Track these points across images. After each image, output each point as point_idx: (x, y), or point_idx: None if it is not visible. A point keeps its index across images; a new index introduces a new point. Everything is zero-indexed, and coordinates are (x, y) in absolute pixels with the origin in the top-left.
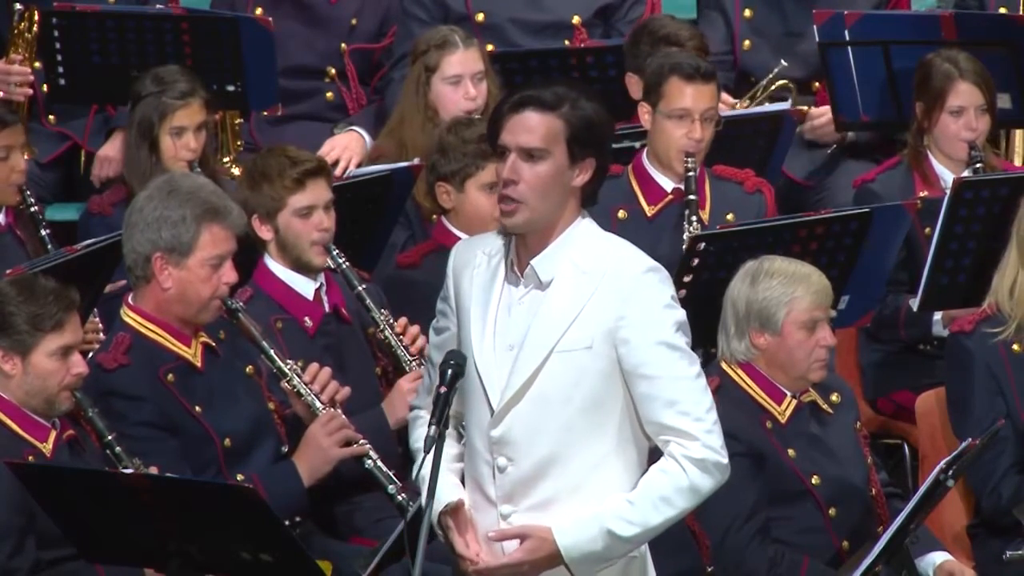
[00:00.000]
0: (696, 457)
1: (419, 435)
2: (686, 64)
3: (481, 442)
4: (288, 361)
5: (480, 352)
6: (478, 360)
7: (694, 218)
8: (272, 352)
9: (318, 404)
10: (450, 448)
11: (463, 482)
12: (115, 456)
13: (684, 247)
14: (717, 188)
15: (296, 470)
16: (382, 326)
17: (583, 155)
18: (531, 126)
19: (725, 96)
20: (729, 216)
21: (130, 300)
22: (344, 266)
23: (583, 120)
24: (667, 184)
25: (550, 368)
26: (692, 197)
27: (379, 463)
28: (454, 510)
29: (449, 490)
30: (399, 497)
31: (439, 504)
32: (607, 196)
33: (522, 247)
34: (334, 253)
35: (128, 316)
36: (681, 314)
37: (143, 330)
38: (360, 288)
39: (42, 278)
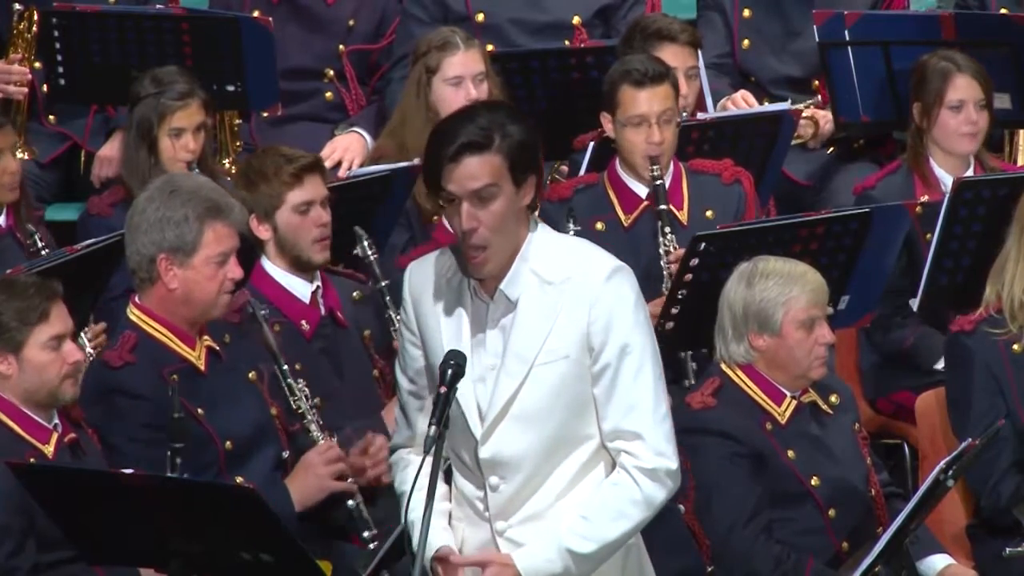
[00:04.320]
0: (647, 467)
1: (404, 477)
2: (635, 70)
3: (471, 463)
4: (300, 381)
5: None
6: (460, 385)
7: (667, 229)
8: (285, 368)
9: (317, 433)
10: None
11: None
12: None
13: (662, 261)
14: (695, 183)
15: (289, 495)
16: (397, 326)
17: (525, 177)
18: (474, 172)
19: (747, 95)
20: (708, 213)
21: (136, 299)
22: (372, 258)
23: (516, 146)
24: (641, 191)
25: (532, 383)
26: (663, 208)
27: (362, 506)
28: (442, 558)
29: (437, 534)
30: (371, 545)
31: (430, 548)
32: (585, 208)
33: None
34: (365, 243)
35: (134, 314)
36: (647, 312)
37: (149, 329)
38: (383, 284)
39: (21, 275)
